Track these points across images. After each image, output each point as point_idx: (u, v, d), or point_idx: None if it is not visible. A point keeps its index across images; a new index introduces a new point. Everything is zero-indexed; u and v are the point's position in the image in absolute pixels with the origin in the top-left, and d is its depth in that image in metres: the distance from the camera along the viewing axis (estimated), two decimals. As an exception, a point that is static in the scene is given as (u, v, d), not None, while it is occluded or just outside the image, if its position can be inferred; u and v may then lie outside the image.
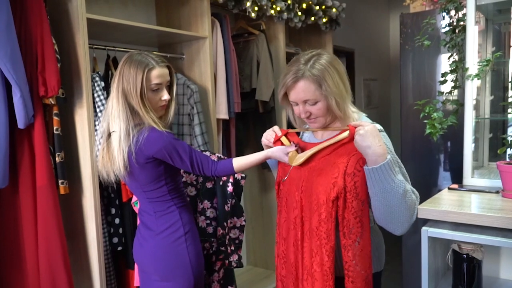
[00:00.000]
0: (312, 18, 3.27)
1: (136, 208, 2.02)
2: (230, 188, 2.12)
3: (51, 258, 1.84)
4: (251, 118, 3.21)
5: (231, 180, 2.11)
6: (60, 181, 1.90)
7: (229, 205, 2.12)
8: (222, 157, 2.19)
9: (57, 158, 1.89)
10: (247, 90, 3.05)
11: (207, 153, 2.15)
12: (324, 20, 3.39)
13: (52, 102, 1.84)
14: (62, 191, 1.91)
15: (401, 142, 2.88)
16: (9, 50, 1.64)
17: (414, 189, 1.36)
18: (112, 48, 2.25)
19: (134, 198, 2.04)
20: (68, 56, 1.94)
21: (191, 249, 1.73)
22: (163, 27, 2.39)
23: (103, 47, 2.21)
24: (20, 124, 1.74)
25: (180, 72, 2.63)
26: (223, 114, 2.70)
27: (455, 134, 2.26)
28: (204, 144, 2.46)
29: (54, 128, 1.88)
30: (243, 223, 2.20)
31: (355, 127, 1.32)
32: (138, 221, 1.85)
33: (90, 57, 1.99)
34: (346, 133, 1.37)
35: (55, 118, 1.88)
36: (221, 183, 2.11)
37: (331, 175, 1.36)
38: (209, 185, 2.12)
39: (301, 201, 1.43)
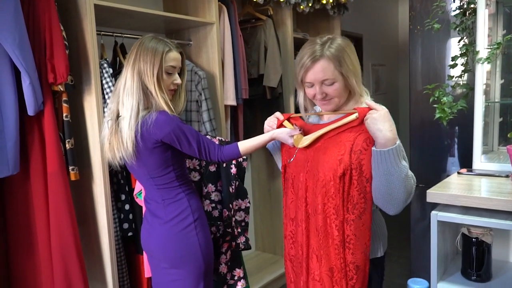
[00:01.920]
0: (320, 3, 3.24)
1: (139, 200, 2.01)
2: (233, 170, 2.15)
3: (63, 244, 1.86)
4: (258, 104, 3.21)
5: (234, 162, 2.13)
6: (70, 168, 1.92)
7: (233, 187, 2.14)
8: (223, 139, 2.21)
9: (67, 145, 1.90)
10: (255, 76, 3.04)
11: (208, 137, 2.17)
12: (332, 5, 3.36)
13: (61, 89, 1.85)
14: (72, 178, 1.93)
15: (410, 128, 2.86)
16: (17, 37, 1.65)
17: (412, 174, 1.38)
18: (120, 34, 2.25)
19: (137, 189, 2.03)
20: (76, 43, 1.95)
21: (200, 235, 1.73)
22: (170, 13, 2.39)
23: (111, 34, 2.21)
24: (30, 111, 1.75)
25: (187, 58, 2.62)
26: (231, 101, 2.70)
27: (465, 118, 2.25)
28: (212, 131, 2.47)
29: (64, 115, 1.89)
30: (248, 204, 2.23)
31: (367, 110, 1.33)
32: (144, 210, 1.85)
33: (98, 44, 1.99)
34: (354, 116, 1.37)
35: (64, 105, 1.89)
36: (224, 165, 2.12)
37: (337, 152, 1.37)
38: (212, 168, 2.13)
39: (306, 181, 1.45)
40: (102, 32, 2.13)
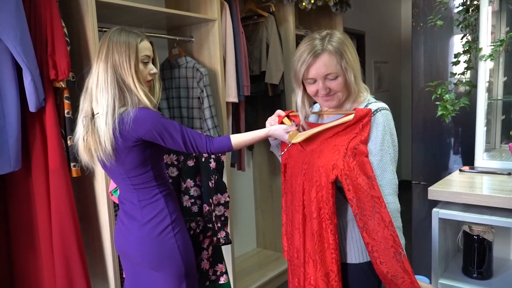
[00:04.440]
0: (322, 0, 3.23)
1: (114, 198, 1.96)
2: (212, 164, 2.13)
3: (65, 240, 1.87)
4: (260, 101, 3.21)
5: (213, 156, 2.11)
6: (72, 164, 1.92)
7: (213, 181, 2.13)
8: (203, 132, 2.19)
9: (68, 141, 1.90)
10: (257, 73, 3.04)
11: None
12: (335, 1, 3.35)
13: (63, 86, 1.85)
14: (74, 174, 1.93)
15: (412, 125, 2.85)
16: (19, 34, 1.65)
17: (393, 200, 1.34)
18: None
19: (112, 186, 1.96)
20: (77, 39, 1.95)
21: (178, 237, 1.66)
22: (172, 9, 2.38)
23: (112, 30, 2.20)
24: (32, 108, 1.75)
25: (189, 55, 2.62)
26: (233, 97, 2.69)
27: (467, 116, 2.24)
28: (214, 128, 2.47)
29: (65, 111, 1.89)
30: (227, 199, 2.22)
31: (366, 111, 1.33)
32: (119, 210, 1.76)
33: (99, 40, 1.99)
34: (350, 116, 1.35)
35: (66, 101, 1.89)
36: (203, 159, 2.10)
37: (331, 157, 1.35)
38: (190, 163, 2.11)
39: (303, 184, 1.44)
40: (104, 29, 2.11)
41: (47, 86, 1.81)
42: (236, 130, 2.92)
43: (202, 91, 2.47)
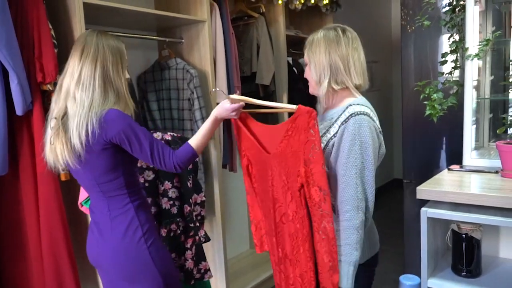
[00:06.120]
0: (313, 0, 3.24)
1: (85, 208, 1.90)
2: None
3: (54, 245, 1.85)
4: (251, 102, 3.20)
5: None
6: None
7: (190, 181, 2.17)
8: (175, 134, 2.21)
9: (57, 144, 1.89)
10: (248, 74, 3.04)
11: (158, 134, 2.15)
12: (325, 2, 3.36)
13: (50, 88, 1.83)
14: (62, 178, 1.90)
15: (402, 125, 2.87)
16: (4, 36, 1.63)
17: (351, 217, 1.32)
18: (110, 33, 2.23)
19: (83, 197, 1.89)
20: (65, 41, 1.93)
21: (152, 249, 1.58)
22: (162, 11, 2.38)
23: (101, 32, 2.19)
24: (18, 111, 1.74)
25: (179, 56, 2.61)
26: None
27: (456, 115, 2.25)
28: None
29: (53, 114, 1.88)
30: (203, 198, 2.29)
31: (310, 110, 1.34)
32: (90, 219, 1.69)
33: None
34: (294, 107, 1.39)
35: (54, 104, 1.88)
36: None
37: (296, 164, 1.37)
38: None
39: (272, 190, 1.47)
40: (92, 31, 2.11)
41: (35, 89, 1.79)
42: (228, 131, 2.92)
43: (193, 92, 2.47)
